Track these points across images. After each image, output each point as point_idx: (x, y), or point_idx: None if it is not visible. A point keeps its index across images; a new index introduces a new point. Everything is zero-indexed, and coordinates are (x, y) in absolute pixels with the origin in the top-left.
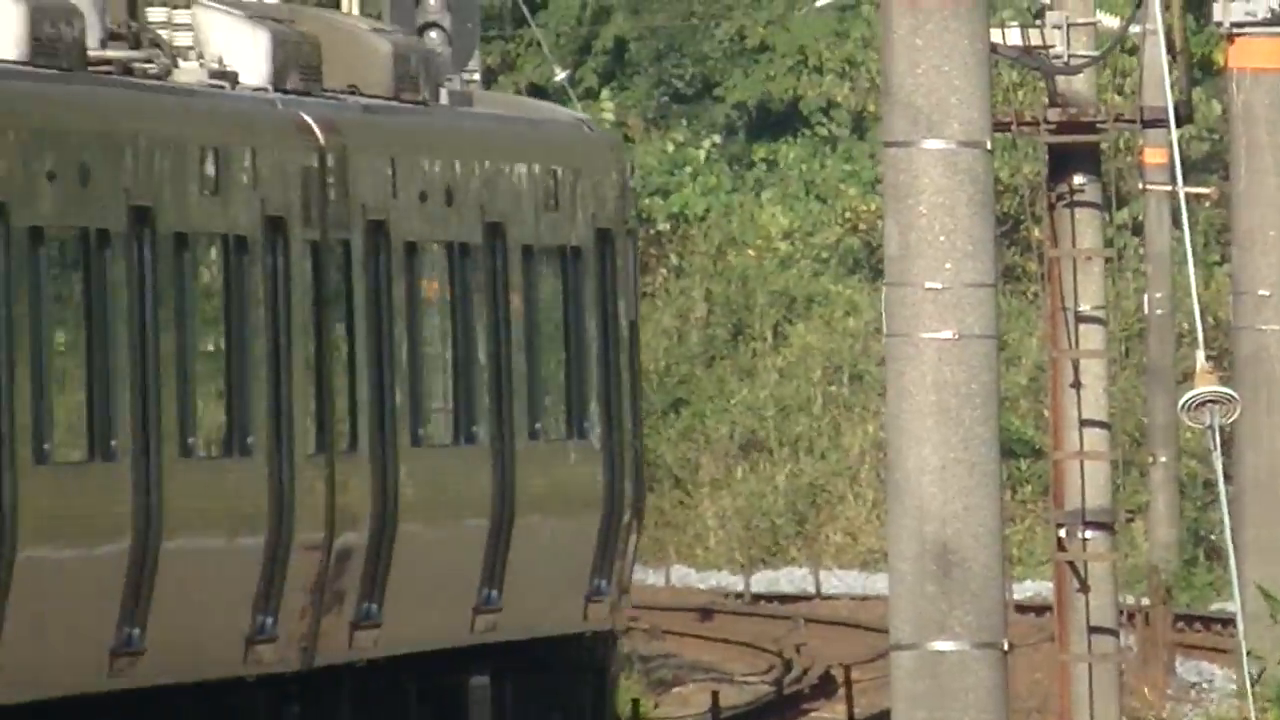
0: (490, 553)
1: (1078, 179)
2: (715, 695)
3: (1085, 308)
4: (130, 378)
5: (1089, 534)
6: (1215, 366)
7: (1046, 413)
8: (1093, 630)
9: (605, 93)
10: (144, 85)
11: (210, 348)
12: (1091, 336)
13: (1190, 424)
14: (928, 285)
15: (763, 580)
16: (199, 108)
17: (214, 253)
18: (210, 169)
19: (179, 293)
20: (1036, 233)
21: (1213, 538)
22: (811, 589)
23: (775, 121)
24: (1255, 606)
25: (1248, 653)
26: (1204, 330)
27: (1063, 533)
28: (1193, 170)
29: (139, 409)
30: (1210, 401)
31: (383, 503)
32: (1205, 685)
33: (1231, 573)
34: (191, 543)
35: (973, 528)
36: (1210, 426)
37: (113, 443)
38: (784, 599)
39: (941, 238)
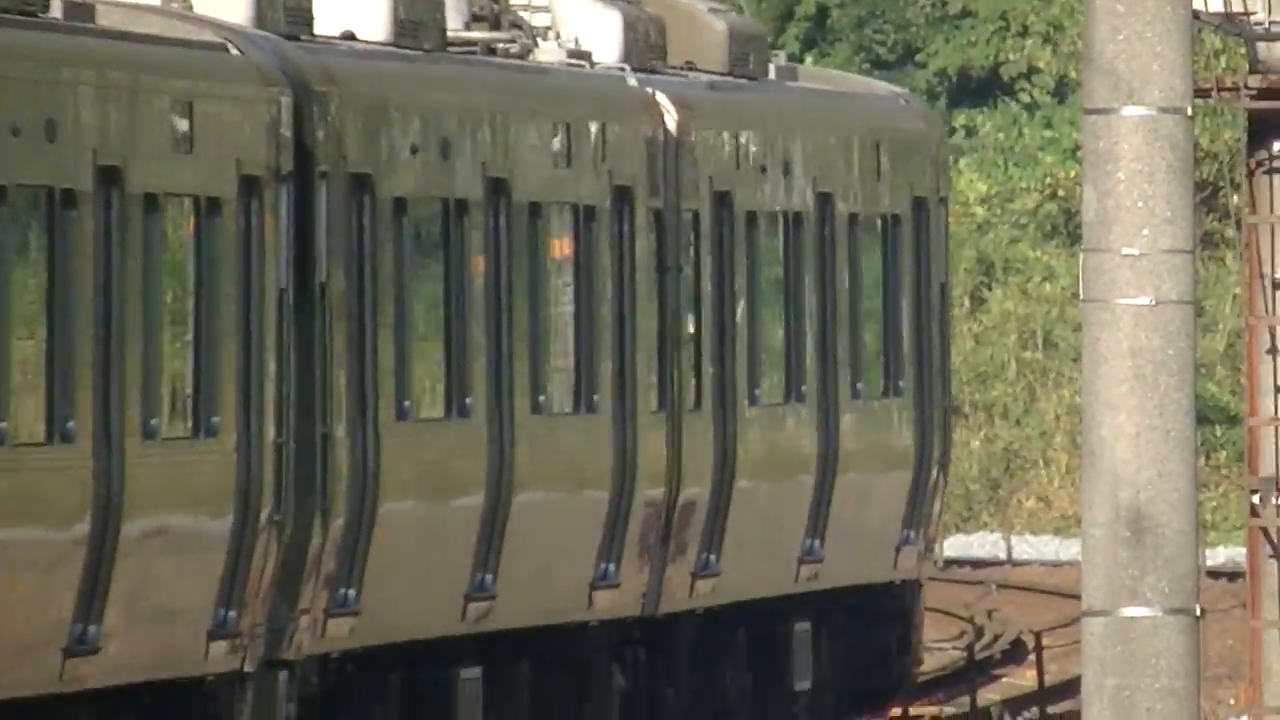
0: (815, 506)
1: (1277, 145)
2: None
3: None
4: (486, 341)
5: None
6: None
7: (1243, 379)
8: None
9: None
10: (500, 64)
11: (560, 311)
12: None
13: None
14: (1125, 251)
15: (955, 545)
16: (553, 85)
17: (564, 221)
18: (561, 143)
19: (531, 259)
20: (1235, 199)
21: None
22: (1003, 555)
23: (976, 89)
24: None
25: None
26: None
27: (1256, 499)
28: None
29: (493, 369)
30: None
31: (723, 459)
32: None
33: None
34: (541, 495)
35: (1167, 494)
36: None
37: (468, 400)
38: (976, 564)
39: (1140, 204)
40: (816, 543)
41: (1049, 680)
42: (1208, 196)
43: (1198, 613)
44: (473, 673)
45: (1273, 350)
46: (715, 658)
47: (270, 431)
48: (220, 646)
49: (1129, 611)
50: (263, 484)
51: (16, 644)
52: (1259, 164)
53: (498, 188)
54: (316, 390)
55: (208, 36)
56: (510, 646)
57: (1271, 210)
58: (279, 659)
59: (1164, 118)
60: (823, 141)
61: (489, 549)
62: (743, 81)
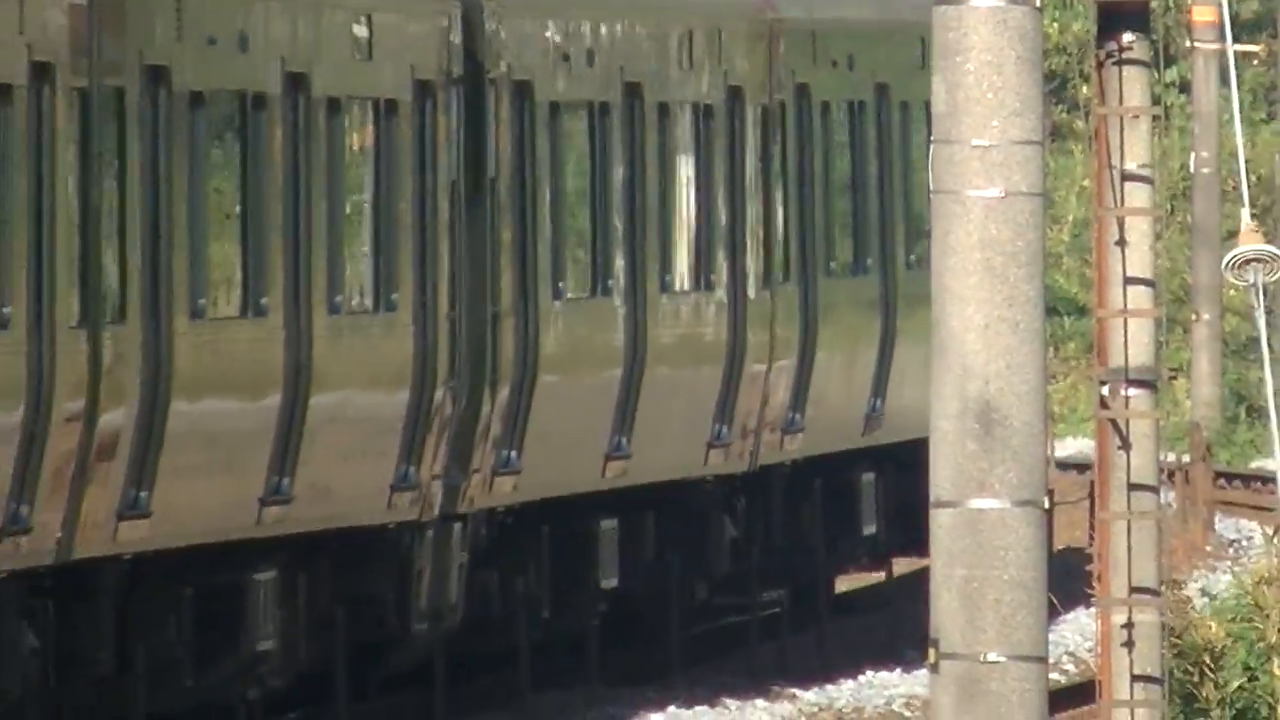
0: (878, 368)
1: (1127, 37)
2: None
3: (1132, 166)
4: (623, 228)
5: (1131, 391)
6: (1260, 225)
7: (1090, 271)
8: (1133, 487)
9: None
10: None
11: (683, 200)
12: (1137, 194)
13: (1234, 282)
14: (975, 143)
15: None
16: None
17: (687, 119)
18: (685, 48)
19: (661, 157)
20: (1085, 91)
21: (1254, 395)
22: None
23: None
24: None
25: None
26: (1249, 188)
27: (1105, 390)
28: (1242, 30)
29: (628, 253)
30: (1254, 260)
31: (805, 329)
32: (1244, 542)
33: (1272, 430)
34: (668, 370)
35: (1015, 386)
36: (1254, 284)
37: (609, 282)
38: None
39: (989, 95)
40: (879, 401)
41: (897, 571)
42: (1056, 89)
43: (1046, 505)
44: (611, 523)
45: (1121, 242)
46: (798, 506)
47: (444, 308)
48: (402, 498)
49: (977, 503)
50: (438, 354)
51: (220, 493)
52: (1108, 56)
53: (633, 91)
54: (486, 273)
55: None
56: (640, 499)
57: (1120, 102)
58: (454, 513)
59: (1013, 9)
60: (882, 40)
61: (625, 415)
62: None
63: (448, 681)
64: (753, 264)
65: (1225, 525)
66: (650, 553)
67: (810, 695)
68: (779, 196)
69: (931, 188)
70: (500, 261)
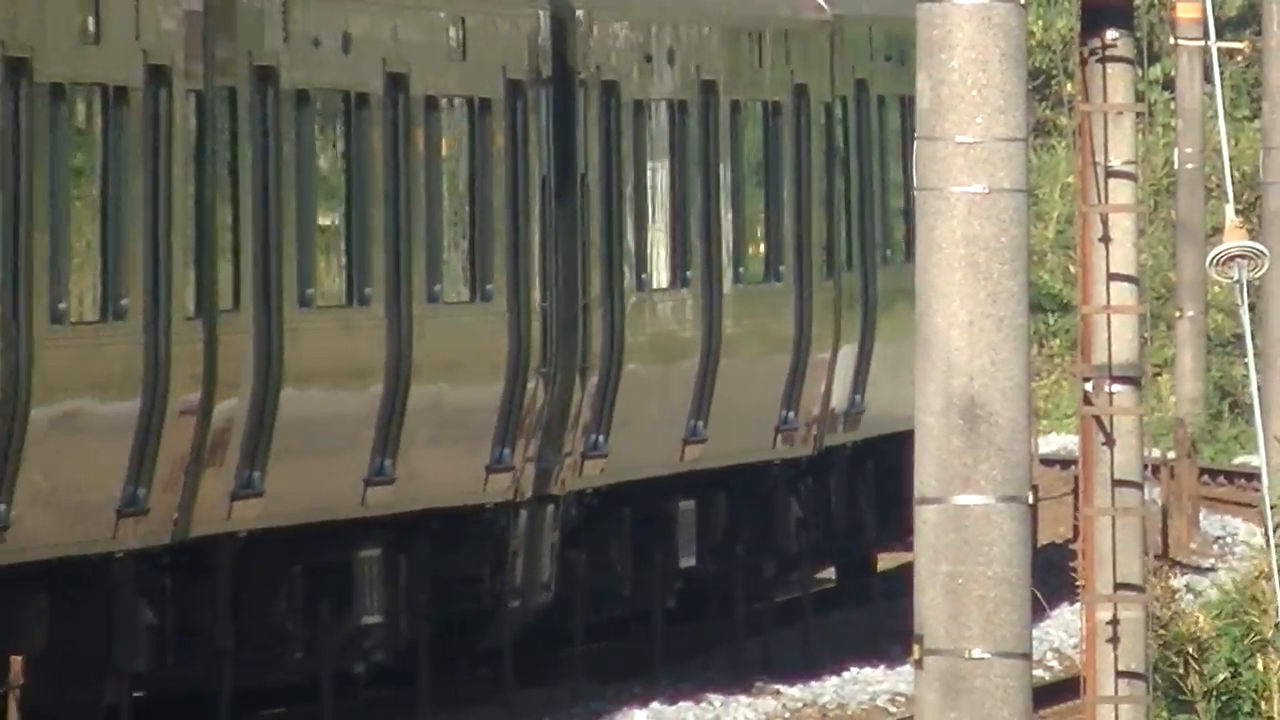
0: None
1: (1110, 34)
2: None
3: (1116, 162)
4: (700, 223)
5: (1115, 388)
6: (1244, 221)
7: (1074, 268)
8: (1117, 484)
9: None
10: None
11: (754, 194)
12: (1121, 191)
13: (1218, 278)
14: (959, 139)
15: None
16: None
17: (758, 115)
18: (755, 49)
19: (734, 150)
20: (1069, 88)
21: (1238, 391)
22: None
23: None
24: (1279, 460)
25: (1272, 506)
26: (1233, 185)
27: (1089, 386)
28: (1226, 26)
29: (705, 248)
30: (1239, 256)
31: (866, 316)
32: (1229, 539)
33: (1257, 426)
34: (740, 359)
35: (1000, 382)
36: (1238, 281)
37: (688, 274)
38: None
39: (973, 92)
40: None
41: (882, 566)
42: (1039, 85)
43: (1030, 500)
44: (688, 504)
45: (1105, 238)
46: (858, 480)
47: (536, 299)
48: (497, 480)
49: (962, 499)
50: (530, 343)
51: (327, 475)
52: (1092, 53)
53: (708, 89)
54: (577, 266)
55: None
56: (715, 479)
57: (1105, 99)
58: (546, 494)
59: (997, 6)
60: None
61: (701, 401)
62: None
63: (431, 676)
64: (818, 255)
65: (1210, 522)
66: (721, 531)
67: (794, 691)
68: (842, 189)
69: (915, 184)
70: (590, 254)
